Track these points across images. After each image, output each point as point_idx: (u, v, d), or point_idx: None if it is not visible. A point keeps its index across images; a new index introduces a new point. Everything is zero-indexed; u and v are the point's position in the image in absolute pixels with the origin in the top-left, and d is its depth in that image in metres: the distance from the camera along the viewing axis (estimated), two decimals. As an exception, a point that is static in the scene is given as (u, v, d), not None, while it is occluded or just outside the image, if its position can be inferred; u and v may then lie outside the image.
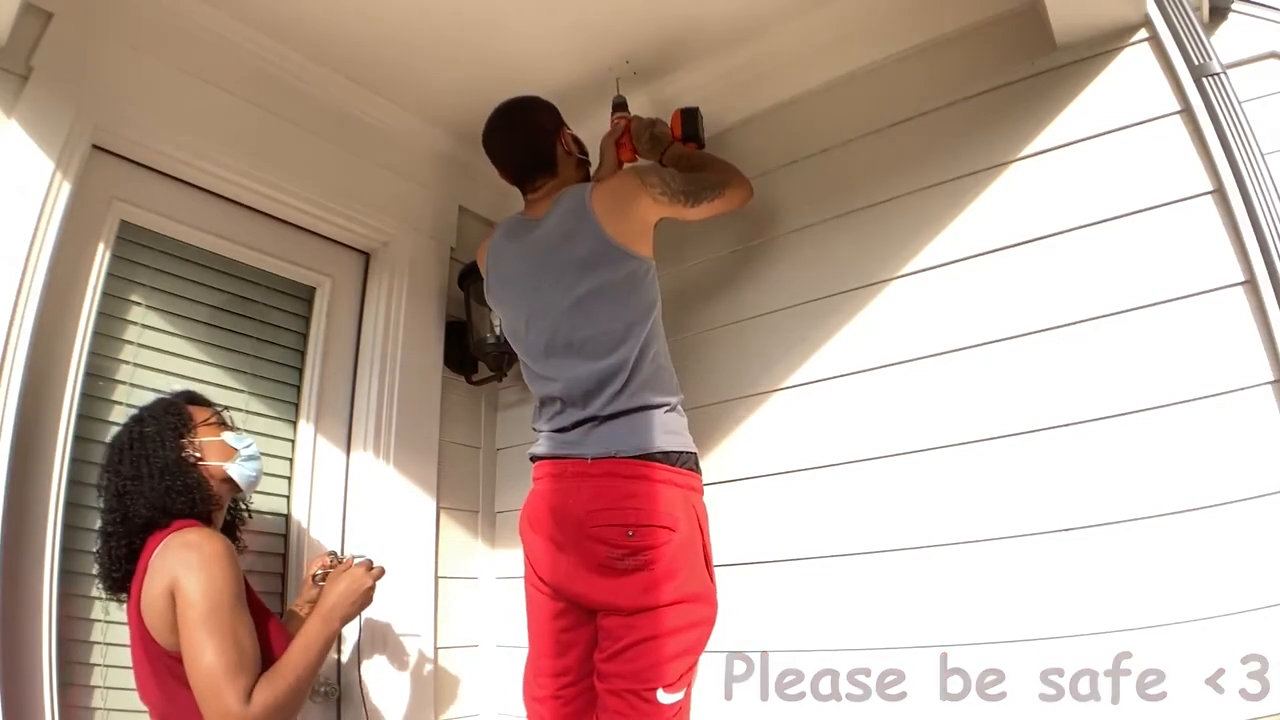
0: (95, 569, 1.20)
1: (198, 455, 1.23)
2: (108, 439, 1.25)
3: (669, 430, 1.32)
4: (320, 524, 1.69)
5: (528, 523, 1.39)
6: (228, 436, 1.28)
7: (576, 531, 1.28)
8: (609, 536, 1.25)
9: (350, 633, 1.64)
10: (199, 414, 1.28)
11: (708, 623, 1.30)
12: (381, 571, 1.34)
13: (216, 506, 1.24)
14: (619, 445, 1.29)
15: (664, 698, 1.22)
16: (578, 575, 1.29)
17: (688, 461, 1.32)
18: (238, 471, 1.26)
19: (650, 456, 1.28)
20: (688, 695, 1.27)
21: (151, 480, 1.17)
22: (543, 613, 1.36)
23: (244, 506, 1.37)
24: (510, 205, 2.07)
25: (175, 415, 1.25)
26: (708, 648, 1.47)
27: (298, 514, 1.67)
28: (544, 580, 1.35)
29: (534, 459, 1.42)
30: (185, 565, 1.09)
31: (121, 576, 1.17)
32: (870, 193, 1.53)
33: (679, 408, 1.36)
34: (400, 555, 1.70)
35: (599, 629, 1.29)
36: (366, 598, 1.30)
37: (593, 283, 1.34)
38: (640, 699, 1.22)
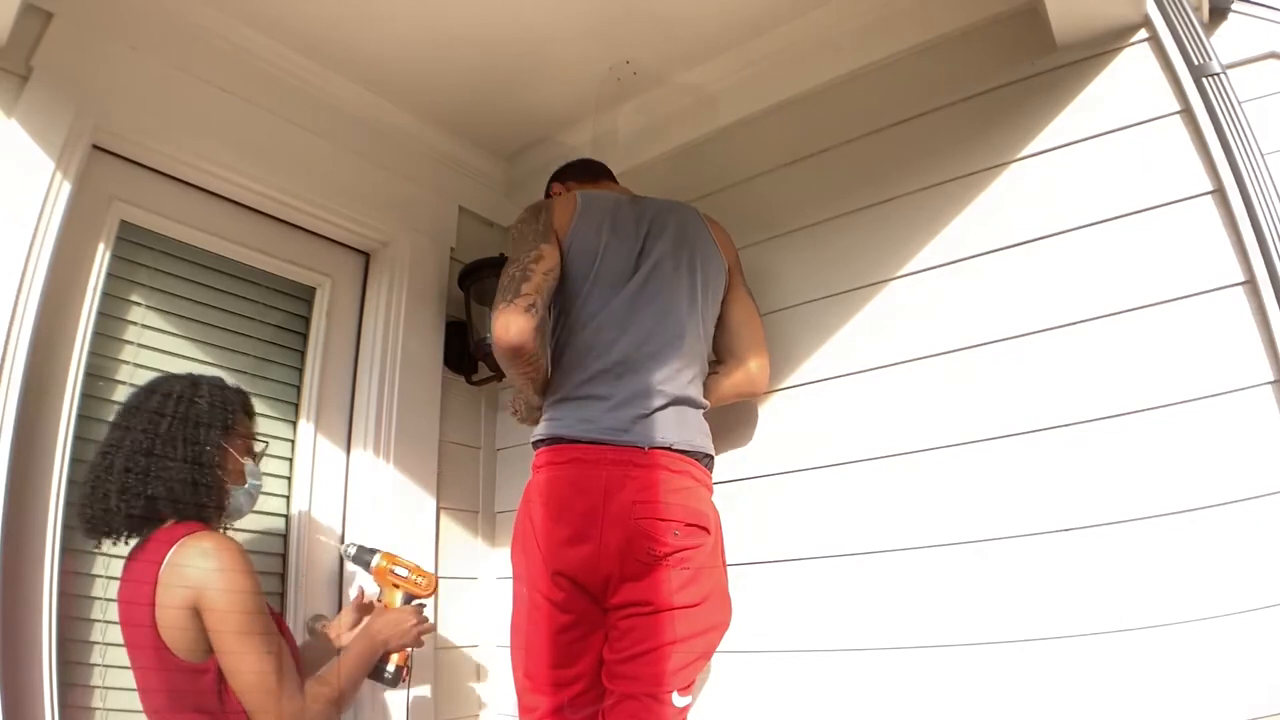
0: (83, 506, 1.16)
1: (221, 462, 1.22)
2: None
3: (706, 433, 1.36)
4: (320, 524, 1.69)
5: (543, 510, 1.29)
6: (248, 465, 1.28)
7: (614, 522, 1.23)
8: (654, 531, 1.23)
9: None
10: (243, 427, 1.28)
11: (725, 626, 1.31)
12: (430, 628, 1.42)
13: (218, 516, 1.25)
14: (673, 438, 1.28)
15: (678, 700, 1.22)
16: (601, 567, 1.24)
17: (712, 466, 1.36)
18: (233, 498, 1.26)
19: (696, 455, 1.31)
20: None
21: (181, 465, 1.15)
22: (547, 626, 1.29)
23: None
24: (508, 207, 2.07)
25: (231, 413, 1.25)
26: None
27: (298, 514, 1.67)
28: (559, 572, 1.26)
29: (558, 441, 1.30)
30: (208, 576, 1.08)
31: (111, 539, 1.16)
32: (870, 193, 1.53)
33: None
34: (400, 555, 1.69)
35: (615, 629, 1.26)
36: (409, 637, 1.37)
37: (706, 287, 1.42)
38: (656, 701, 1.21)
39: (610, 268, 1.35)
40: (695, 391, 1.36)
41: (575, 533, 1.25)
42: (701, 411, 1.37)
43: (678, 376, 1.33)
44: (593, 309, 1.33)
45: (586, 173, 1.63)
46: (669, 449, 1.27)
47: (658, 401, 1.29)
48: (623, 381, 1.30)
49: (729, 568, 1.38)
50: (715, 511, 1.32)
